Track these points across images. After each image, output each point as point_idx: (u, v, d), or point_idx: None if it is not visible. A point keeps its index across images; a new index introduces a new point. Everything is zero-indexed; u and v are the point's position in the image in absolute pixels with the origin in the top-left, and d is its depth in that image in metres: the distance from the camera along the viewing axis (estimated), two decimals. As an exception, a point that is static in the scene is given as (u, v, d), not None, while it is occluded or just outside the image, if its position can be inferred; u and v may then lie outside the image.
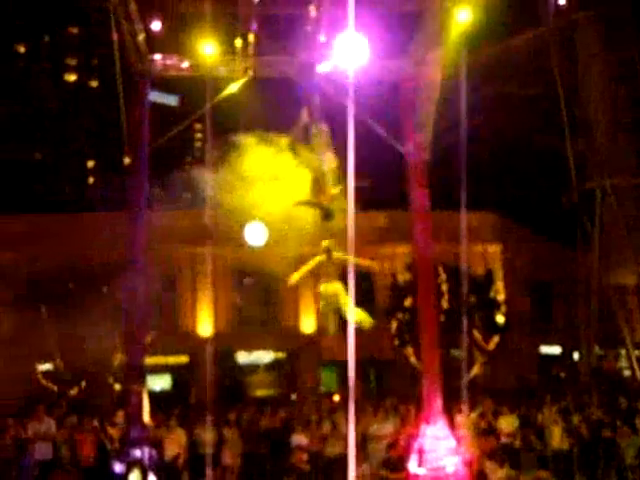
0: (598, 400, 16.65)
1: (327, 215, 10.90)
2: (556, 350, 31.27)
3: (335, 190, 10.61)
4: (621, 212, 24.29)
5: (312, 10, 15.71)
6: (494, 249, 28.91)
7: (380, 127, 16.28)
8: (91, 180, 34.23)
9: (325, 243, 10.98)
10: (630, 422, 15.03)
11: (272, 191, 15.13)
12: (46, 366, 22.77)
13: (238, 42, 15.75)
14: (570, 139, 24.48)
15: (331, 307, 11.11)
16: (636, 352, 25.76)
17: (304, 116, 11.05)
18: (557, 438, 15.67)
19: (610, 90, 24.33)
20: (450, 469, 15.45)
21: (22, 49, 34.33)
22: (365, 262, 10.58)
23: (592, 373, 25.09)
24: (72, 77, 35.46)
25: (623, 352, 26.75)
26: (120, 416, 16.40)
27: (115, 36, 15.01)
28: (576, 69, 24.79)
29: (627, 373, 26.33)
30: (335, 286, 10.73)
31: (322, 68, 16.20)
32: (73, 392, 21.19)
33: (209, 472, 14.94)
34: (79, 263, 23.74)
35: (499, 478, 15.82)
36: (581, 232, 25.55)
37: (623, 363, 27.93)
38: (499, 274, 27.57)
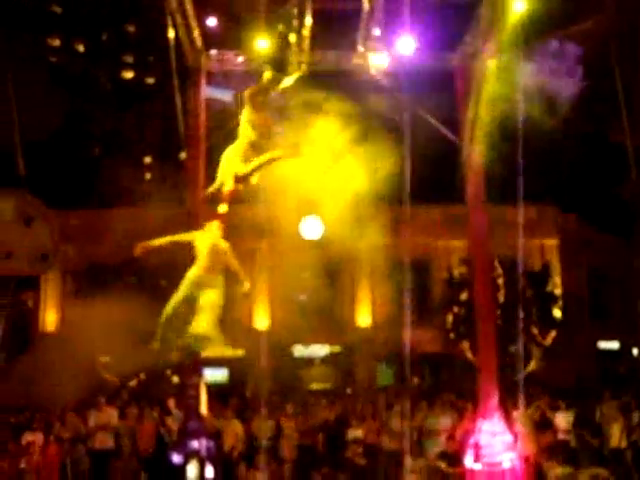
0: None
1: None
2: (614, 345, 30.77)
3: None
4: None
5: (365, 3, 15.73)
6: (552, 242, 28.57)
7: (436, 119, 16.22)
8: (148, 176, 34.65)
9: None
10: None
11: (329, 184, 15.21)
12: (106, 358, 23.19)
13: (292, 37, 15.83)
14: (630, 131, 24.03)
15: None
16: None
17: None
18: (616, 435, 15.43)
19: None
20: (506, 465, 15.34)
21: (81, 48, 34.87)
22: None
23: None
24: (129, 74, 35.92)
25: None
26: (172, 404, 16.64)
27: (171, 32, 15.21)
28: (636, 57, 24.31)
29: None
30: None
31: (377, 61, 16.20)
32: (133, 384, 21.57)
33: (265, 464, 15.11)
34: (136, 257, 24.11)
35: (556, 475, 15.64)
36: (637, 225, 25.10)
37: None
38: (557, 268, 27.25)
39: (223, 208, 10.08)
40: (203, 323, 9.96)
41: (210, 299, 10.09)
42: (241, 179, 9.95)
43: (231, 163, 9.85)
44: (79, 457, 15.61)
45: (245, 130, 10.11)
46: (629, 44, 23.91)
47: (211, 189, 10.20)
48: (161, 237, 9.88)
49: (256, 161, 9.98)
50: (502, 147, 16.90)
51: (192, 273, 10.30)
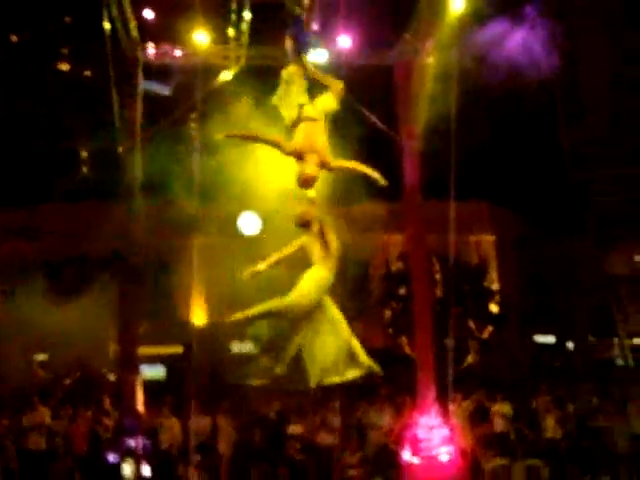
0: (591, 389, 16.68)
1: None
2: (550, 339, 31.34)
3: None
4: (616, 202, 24.30)
5: (305, -2, 15.70)
6: (488, 239, 28.95)
7: (374, 115, 16.28)
8: (85, 170, 34.10)
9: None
10: (622, 411, 15.08)
11: (266, 179, 15.10)
12: (41, 356, 22.79)
13: (231, 31, 15.72)
14: (566, 128, 24.49)
15: None
16: (628, 341, 25.84)
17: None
18: (550, 427, 15.72)
19: (606, 79, 24.31)
20: (444, 458, 15.52)
21: (15, 38, 34.11)
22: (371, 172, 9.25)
23: (585, 362, 25.18)
24: (64, 66, 35.27)
25: (617, 341, 26.83)
26: (108, 403, 16.41)
27: (107, 24, 14.97)
28: (572, 58, 24.74)
29: (620, 362, 26.40)
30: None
31: (316, 57, 16.17)
32: (67, 382, 21.20)
33: (203, 461, 14.99)
34: (74, 253, 23.73)
35: (493, 467, 15.90)
36: (577, 221, 25.58)
37: (616, 352, 28.01)
38: (493, 264, 27.62)
39: (311, 193, 9.00)
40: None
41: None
42: (327, 167, 8.94)
43: (315, 146, 8.77)
44: (10, 457, 15.28)
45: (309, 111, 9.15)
46: (564, 43, 24.32)
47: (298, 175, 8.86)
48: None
49: (352, 164, 9.23)
50: (440, 144, 17.06)
51: (320, 276, 8.72)
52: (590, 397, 16.22)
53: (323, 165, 8.86)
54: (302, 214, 8.92)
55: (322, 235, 8.68)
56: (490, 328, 23.97)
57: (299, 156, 8.73)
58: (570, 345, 28.92)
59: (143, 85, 16.35)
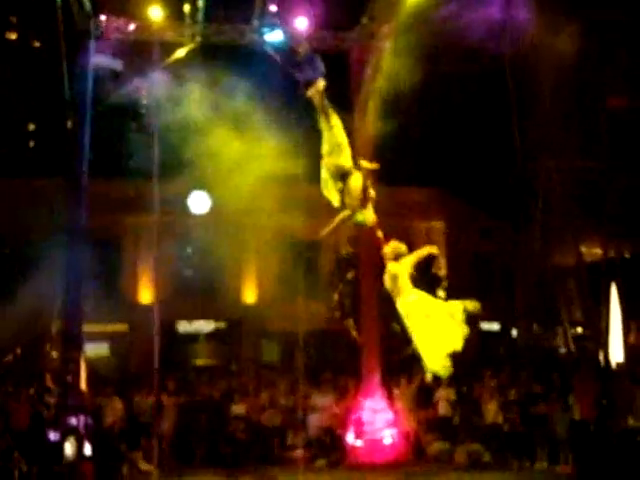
0: (533, 376, 16.94)
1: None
2: (495, 326, 31.73)
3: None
4: (563, 193, 24.60)
5: (263, -23, 15.56)
6: (437, 225, 29.14)
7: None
8: (31, 144, 33.46)
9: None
10: (563, 398, 15.35)
11: (221, 159, 14.99)
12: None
13: (187, 7, 15.51)
14: (516, 118, 24.64)
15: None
16: (572, 330, 26.28)
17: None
18: (492, 412, 15.94)
19: (556, 70, 24.51)
20: (387, 441, 15.69)
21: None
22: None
23: (529, 350, 25.53)
24: (13, 35, 34.47)
25: (560, 330, 27.25)
26: (50, 380, 16.19)
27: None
28: (523, 48, 24.90)
29: (563, 351, 26.85)
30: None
31: (271, 37, 16.08)
32: (8, 359, 20.85)
33: (146, 440, 14.89)
34: (18, 229, 23.30)
35: (435, 450, 16.11)
36: (524, 211, 25.82)
37: (559, 341, 28.48)
38: (442, 250, 27.79)
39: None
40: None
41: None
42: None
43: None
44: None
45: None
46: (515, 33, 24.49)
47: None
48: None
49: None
50: (395, 129, 17.09)
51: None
52: (532, 384, 16.46)
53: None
54: (394, 249, 8.52)
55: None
56: (437, 314, 24.15)
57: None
58: (514, 332, 29.30)
59: (94, 59, 16.05)
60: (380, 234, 8.50)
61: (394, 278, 8.31)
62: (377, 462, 15.28)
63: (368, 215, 8.39)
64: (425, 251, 8.62)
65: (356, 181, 8.21)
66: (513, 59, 23.87)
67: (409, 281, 8.26)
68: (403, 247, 8.51)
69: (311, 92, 8.03)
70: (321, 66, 9.26)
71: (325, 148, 8.20)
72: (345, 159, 8.21)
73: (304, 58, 9.03)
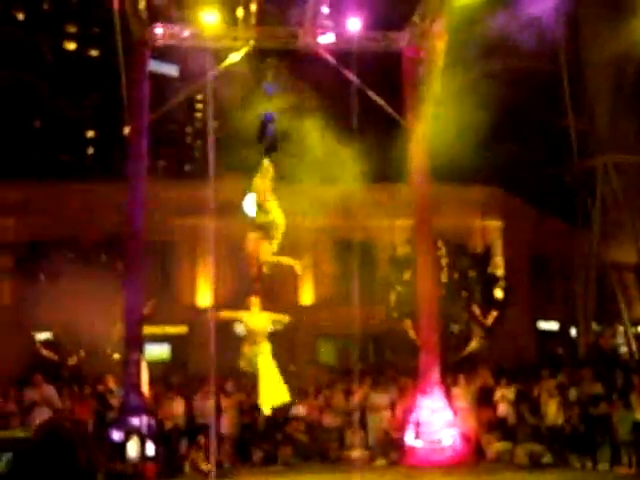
0: (594, 376, 16.68)
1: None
2: (554, 326, 31.33)
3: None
4: (621, 190, 24.24)
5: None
6: (495, 224, 28.89)
7: (382, 99, 16.25)
8: (90, 150, 34.18)
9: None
10: (625, 398, 15.10)
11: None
12: (45, 335, 22.83)
13: (240, 12, 15.65)
14: (573, 115, 24.38)
15: (251, 367, 11.21)
16: (633, 329, 25.82)
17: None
18: (553, 413, 15.75)
19: (613, 66, 24.18)
20: (447, 441, 15.59)
21: (21, 16, 34.06)
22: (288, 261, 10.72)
23: (589, 349, 25.18)
24: (72, 45, 35.23)
25: (620, 329, 26.81)
26: (111, 381, 16.48)
27: (116, 4, 14.91)
28: (580, 44, 24.63)
29: (624, 350, 26.40)
30: (258, 349, 10.82)
31: (325, 39, 16.14)
32: (72, 361, 21.25)
33: (205, 441, 15.06)
34: (80, 232, 23.74)
35: (495, 450, 15.97)
36: (581, 209, 25.51)
37: (620, 340, 28.00)
38: (499, 249, 27.56)
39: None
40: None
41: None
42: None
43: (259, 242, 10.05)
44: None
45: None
46: (571, 29, 24.21)
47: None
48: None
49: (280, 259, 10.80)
50: (450, 128, 17.01)
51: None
52: (593, 384, 16.22)
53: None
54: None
55: None
56: (495, 314, 23.93)
57: None
58: (574, 332, 28.90)
59: (151, 66, 16.33)
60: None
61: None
62: (436, 462, 15.20)
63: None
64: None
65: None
66: (569, 54, 23.62)
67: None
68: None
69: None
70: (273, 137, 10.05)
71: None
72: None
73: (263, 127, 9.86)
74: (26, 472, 3.29)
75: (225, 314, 10.92)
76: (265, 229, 10.18)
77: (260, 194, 10.74)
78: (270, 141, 10.02)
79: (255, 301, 10.32)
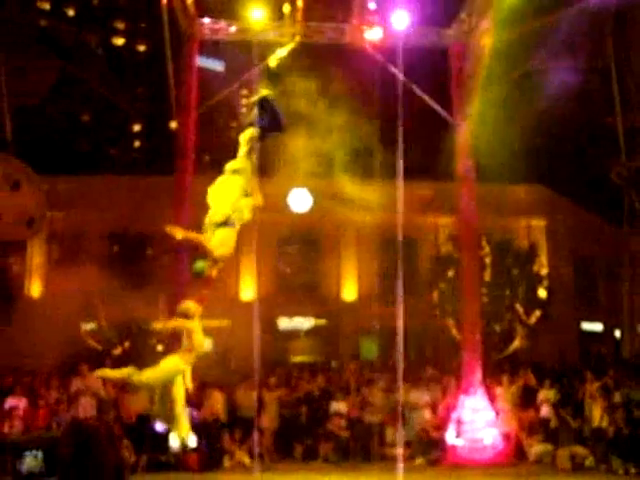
0: (639, 378, 16.44)
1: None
2: (598, 327, 30.97)
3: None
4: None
5: (362, -24, 15.62)
6: (539, 222, 28.63)
7: (428, 95, 16.18)
8: (137, 144, 34.52)
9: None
10: (670, 402, 14.88)
11: (318, 157, 15.12)
12: (90, 325, 23.17)
13: (286, 7, 15.72)
14: (621, 114, 24.08)
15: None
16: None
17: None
18: (596, 415, 15.56)
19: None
20: (488, 441, 15.51)
21: (71, 12, 34.54)
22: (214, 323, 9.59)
23: (633, 351, 24.85)
24: (120, 41, 35.62)
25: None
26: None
27: None
28: (629, 42, 24.29)
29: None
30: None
31: (371, 35, 16.12)
32: (117, 352, 21.55)
33: (247, 434, 15.16)
34: (127, 225, 24.03)
35: (537, 452, 15.83)
36: (628, 208, 25.18)
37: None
38: (543, 248, 27.33)
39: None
40: None
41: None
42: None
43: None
44: (63, 422, 15.58)
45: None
46: (619, 28, 23.88)
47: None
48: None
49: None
50: (496, 126, 16.91)
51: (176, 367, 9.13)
52: (637, 387, 15.99)
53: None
54: (185, 310, 9.13)
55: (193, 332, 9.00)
56: (538, 313, 23.73)
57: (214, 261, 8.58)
58: (617, 333, 28.53)
59: (198, 61, 16.46)
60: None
61: (188, 334, 8.97)
62: (477, 462, 15.13)
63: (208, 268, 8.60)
64: (215, 324, 9.53)
65: (230, 236, 8.44)
66: (616, 53, 23.30)
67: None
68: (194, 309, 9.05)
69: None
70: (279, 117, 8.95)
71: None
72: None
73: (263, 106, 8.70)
74: (56, 470, 3.39)
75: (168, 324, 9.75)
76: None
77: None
78: (272, 121, 8.97)
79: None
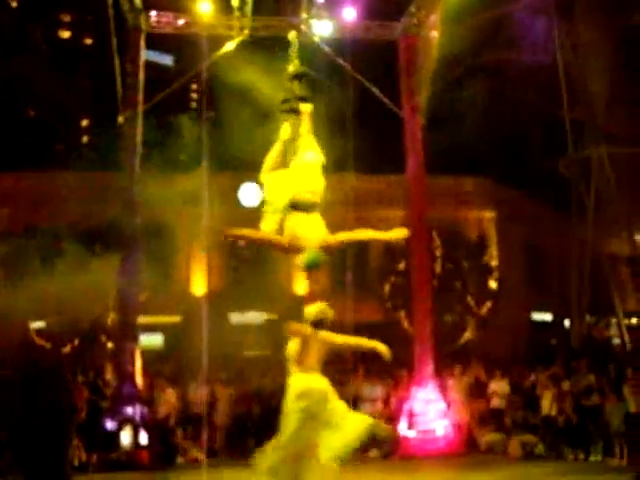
0: (587, 367, 16.72)
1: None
2: (547, 317, 31.40)
3: None
4: (616, 181, 24.25)
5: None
6: (489, 215, 28.89)
7: (377, 89, 16.22)
8: (85, 139, 34.08)
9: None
10: (617, 390, 15.12)
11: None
12: (38, 324, 22.79)
13: (235, 1, 15.60)
14: (568, 106, 24.37)
15: None
16: (626, 321, 25.86)
17: None
18: (546, 404, 15.79)
19: (608, 58, 24.16)
20: (439, 432, 15.64)
21: (14, 4, 33.90)
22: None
23: (582, 341, 25.22)
24: (66, 34, 35.07)
25: (614, 321, 26.86)
26: (109, 371, 16.48)
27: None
28: (575, 37, 24.60)
29: (617, 341, 26.46)
30: None
31: (320, 29, 16.09)
32: (66, 350, 21.23)
33: (200, 431, 15.07)
34: (73, 221, 23.68)
35: (487, 441, 16.03)
36: (576, 200, 25.51)
37: (613, 332, 28.06)
38: (493, 240, 27.58)
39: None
40: None
41: None
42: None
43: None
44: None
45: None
46: (567, 22, 24.19)
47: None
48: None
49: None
50: (442, 119, 17.00)
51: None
52: (586, 375, 16.25)
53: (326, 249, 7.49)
54: (319, 313, 7.75)
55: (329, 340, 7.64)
56: (489, 304, 23.98)
57: (296, 249, 7.41)
58: (567, 323, 28.96)
59: (145, 54, 16.26)
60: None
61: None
62: (430, 453, 15.24)
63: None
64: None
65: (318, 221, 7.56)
66: (563, 45, 23.60)
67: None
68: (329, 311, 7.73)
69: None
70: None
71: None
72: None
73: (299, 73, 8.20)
74: (9, 405, 3.31)
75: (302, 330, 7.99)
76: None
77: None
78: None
79: None
